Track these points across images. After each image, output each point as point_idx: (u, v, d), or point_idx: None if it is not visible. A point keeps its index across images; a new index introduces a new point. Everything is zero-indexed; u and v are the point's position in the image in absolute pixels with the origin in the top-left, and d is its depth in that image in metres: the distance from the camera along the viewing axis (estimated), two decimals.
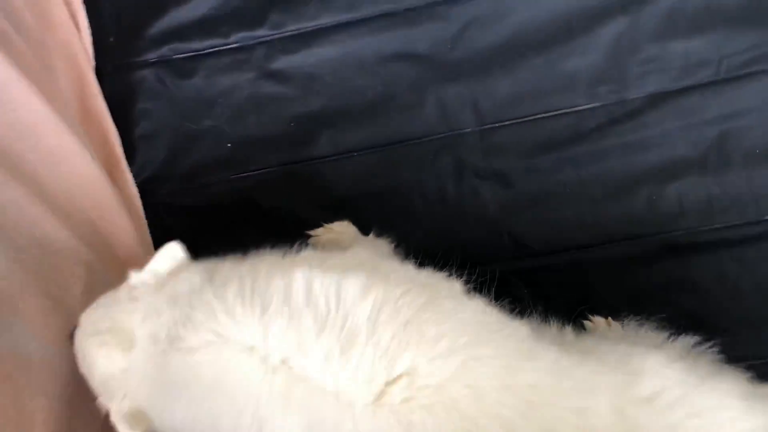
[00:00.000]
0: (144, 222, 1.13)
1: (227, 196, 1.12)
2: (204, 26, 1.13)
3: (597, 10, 1.05)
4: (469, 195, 1.07)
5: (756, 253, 1.02)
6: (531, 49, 1.07)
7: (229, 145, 1.12)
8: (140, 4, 1.15)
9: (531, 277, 1.03)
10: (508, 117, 1.07)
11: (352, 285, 0.66)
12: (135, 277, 0.79)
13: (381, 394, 0.60)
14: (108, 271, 1.03)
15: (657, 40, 1.04)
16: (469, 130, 1.07)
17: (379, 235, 1.00)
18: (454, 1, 1.07)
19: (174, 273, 0.76)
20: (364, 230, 1.03)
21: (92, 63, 1.14)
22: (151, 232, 1.12)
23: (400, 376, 0.61)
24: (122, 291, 0.79)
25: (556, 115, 1.06)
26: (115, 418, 0.73)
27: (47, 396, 0.83)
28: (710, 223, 1.02)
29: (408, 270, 0.75)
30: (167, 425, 0.71)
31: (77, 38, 1.13)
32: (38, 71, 1.01)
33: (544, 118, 1.06)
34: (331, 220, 1.06)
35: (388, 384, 0.61)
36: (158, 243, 1.08)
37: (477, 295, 0.73)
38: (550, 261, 1.06)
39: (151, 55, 1.14)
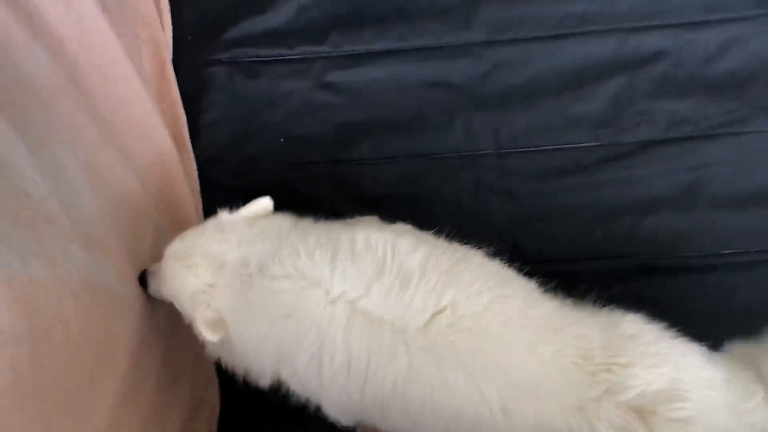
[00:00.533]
0: (199, 197, 1.30)
1: (275, 183, 1.28)
2: (273, 37, 1.32)
3: (603, 67, 1.27)
4: (482, 206, 1.26)
5: (712, 280, 1.22)
6: (546, 92, 1.28)
7: (282, 140, 1.29)
8: (219, 11, 1.34)
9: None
10: (521, 145, 1.27)
11: (405, 241, 0.86)
12: (224, 216, 0.96)
13: (430, 321, 0.79)
14: (170, 232, 1.19)
15: (650, 97, 1.26)
16: (488, 152, 1.27)
17: None
18: (488, 43, 1.28)
19: (262, 218, 0.94)
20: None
21: (171, 56, 1.32)
22: (204, 207, 1.29)
23: (444, 308, 0.80)
24: (209, 226, 0.96)
25: (561, 148, 1.26)
26: (199, 324, 0.88)
27: (126, 325, 0.98)
28: (678, 252, 1.22)
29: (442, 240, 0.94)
30: (242, 334, 0.88)
31: (161, 33, 1.31)
32: (133, 55, 1.19)
33: (551, 150, 1.26)
34: (362, 214, 1.24)
35: (435, 314, 0.79)
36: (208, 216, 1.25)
37: None
38: (543, 269, 1.24)
39: (223, 56, 1.32)
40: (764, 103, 1.24)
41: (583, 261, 1.23)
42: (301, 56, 1.31)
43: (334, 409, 0.90)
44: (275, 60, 1.31)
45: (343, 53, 1.31)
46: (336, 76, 1.30)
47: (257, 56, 1.31)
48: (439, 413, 0.80)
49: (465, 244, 0.94)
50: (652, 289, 1.22)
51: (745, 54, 1.25)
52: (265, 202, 0.98)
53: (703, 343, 0.88)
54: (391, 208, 1.26)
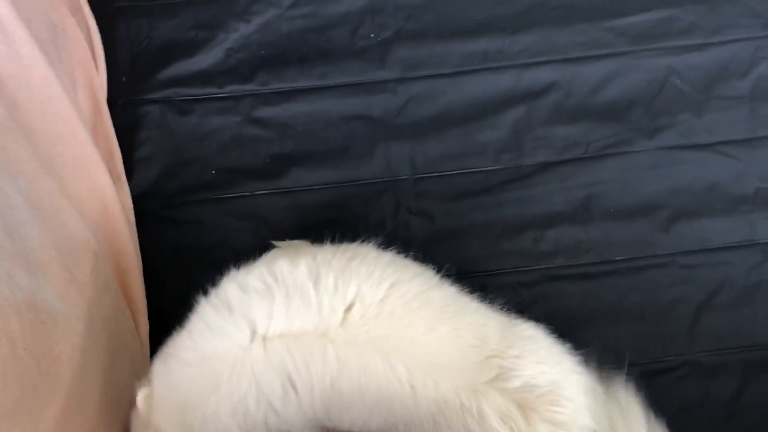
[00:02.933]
0: (134, 227, 1.36)
1: (207, 213, 1.37)
2: (203, 77, 1.42)
3: (503, 99, 1.42)
4: (403, 227, 1.37)
5: (608, 285, 1.36)
6: (455, 122, 1.41)
7: (213, 172, 1.38)
8: (151, 55, 1.43)
9: None
10: (435, 170, 1.39)
11: (282, 263, 0.91)
12: None
13: (345, 318, 0.86)
14: (108, 261, 1.25)
15: (545, 124, 1.41)
16: (406, 177, 1.39)
17: None
18: (401, 80, 1.42)
19: None
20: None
21: (105, 96, 1.40)
22: (139, 236, 1.35)
23: (353, 302, 0.87)
24: None
25: (470, 172, 1.39)
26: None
27: (68, 343, 1.04)
28: (577, 261, 1.37)
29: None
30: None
31: (96, 75, 1.39)
32: (71, 95, 1.26)
33: (461, 173, 1.39)
34: (292, 238, 1.34)
35: (347, 310, 0.87)
36: (144, 246, 1.33)
37: None
38: (460, 282, 1.37)
39: (156, 95, 1.40)
40: (642, 126, 1.41)
41: (494, 273, 1.36)
42: (230, 94, 1.41)
43: None
44: (206, 98, 1.41)
45: (270, 91, 1.42)
46: (263, 112, 1.41)
47: (188, 95, 1.41)
48: (367, 398, 0.87)
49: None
50: (556, 296, 1.36)
51: (623, 84, 1.43)
52: None
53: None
54: (319, 232, 1.36)
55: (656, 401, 1.32)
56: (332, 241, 1.10)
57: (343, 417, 0.91)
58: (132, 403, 0.99)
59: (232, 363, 0.86)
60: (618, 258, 1.37)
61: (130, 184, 1.36)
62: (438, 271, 1.01)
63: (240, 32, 1.43)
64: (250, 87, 1.42)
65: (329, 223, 1.36)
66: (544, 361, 0.90)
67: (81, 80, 1.35)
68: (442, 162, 1.40)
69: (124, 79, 1.42)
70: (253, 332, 0.86)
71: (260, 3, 1.44)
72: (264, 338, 0.86)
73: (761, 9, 1.45)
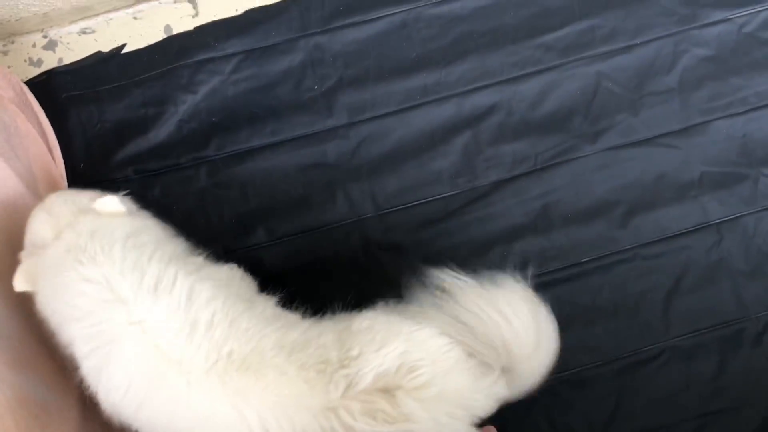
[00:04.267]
0: None
1: None
2: (160, 151, 1.45)
3: (450, 127, 1.48)
4: (375, 262, 1.41)
5: (579, 286, 1.41)
6: (408, 156, 1.47)
7: (183, 239, 1.41)
8: (105, 138, 1.47)
9: None
10: (397, 204, 1.44)
11: (205, 291, 0.98)
12: (99, 202, 1.05)
13: (211, 368, 0.92)
14: None
15: (493, 144, 1.47)
16: (370, 215, 1.44)
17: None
18: (351, 125, 1.47)
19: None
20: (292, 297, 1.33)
21: (66, 185, 1.43)
22: None
23: (222, 357, 0.93)
24: (84, 198, 1.07)
25: (429, 201, 1.45)
26: (18, 269, 1.00)
27: None
28: (546, 269, 1.42)
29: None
30: (42, 302, 0.99)
31: (54, 167, 1.42)
32: (32, 189, 1.29)
33: (421, 203, 1.44)
34: (264, 290, 1.36)
35: (216, 362, 0.93)
36: None
37: None
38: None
39: (116, 176, 1.44)
40: (584, 132, 1.48)
41: None
42: (189, 163, 1.45)
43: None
44: (165, 171, 1.44)
45: (226, 154, 1.46)
46: (223, 175, 1.45)
47: (149, 171, 1.44)
48: None
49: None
50: None
51: (559, 96, 1.50)
52: (114, 205, 1.06)
53: None
54: (293, 279, 1.39)
55: (643, 391, 1.38)
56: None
57: None
58: None
59: (110, 325, 0.94)
60: (584, 260, 1.43)
61: None
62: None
63: (188, 103, 1.48)
64: (206, 153, 1.46)
65: (300, 271, 1.41)
66: (384, 344, 0.96)
67: (40, 173, 1.37)
68: (401, 195, 1.45)
69: (81, 165, 1.45)
70: (144, 324, 0.93)
71: (203, 72, 1.49)
72: (147, 337, 0.93)
73: (673, 6, 1.54)
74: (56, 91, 1.47)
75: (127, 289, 0.94)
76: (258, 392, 0.92)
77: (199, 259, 1.09)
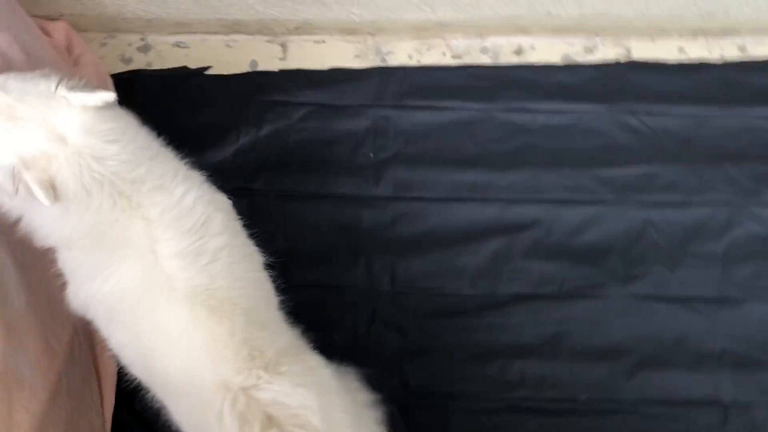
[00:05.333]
0: None
1: None
2: (210, 173, 1.51)
3: (487, 229, 1.49)
4: (375, 337, 1.41)
5: (569, 423, 1.38)
6: (438, 244, 1.48)
7: None
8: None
9: (405, 409, 1.37)
10: (414, 287, 1.45)
11: (218, 221, 1.04)
12: (74, 97, 0.97)
13: (195, 294, 0.96)
14: (85, 333, 1.30)
15: (524, 258, 1.47)
16: (385, 290, 1.45)
17: None
18: (392, 198, 1.51)
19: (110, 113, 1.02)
20: None
21: None
22: None
23: (210, 290, 0.98)
24: (41, 85, 0.98)
25: (446, 294, 1.45)
26: (31, 183, 0.93)
27: (28, 413, 1.08)
28: (540, 395, 1.39)
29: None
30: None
31: None
32: None
33: (438, 294, 1.45)
34: None
35: (202, 293, 0.97)
36: None
37: None
38: (422, 402, 1.40)
39: None
40: (617, 273, 1.47)
41: (457, 396, 1.39)
42: (233, 191, 1.47)
43: None
44: None
45: (269, 192, 1.51)
46: (260, 211, 1.47)
47: None
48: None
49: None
50: (515, 426, 1.38)
51: (602, 230, 1.50)
52: (107, 97, 1.00)
53: None
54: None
55: None
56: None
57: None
58: None
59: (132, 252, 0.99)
60: (581, 397, 1.39)
61: None
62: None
63: (250, 136, 1.54)
64: (252, 186, 1.51)
65: (305, 325, 1.42)
66: (304, 385, 0.98)
67: None
68: (421, 279, 1.46)
69: None
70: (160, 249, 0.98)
71: (273, 113, 1.56)
72: (157, 258, 0.98)
73: (739, 176, 1.53)
74: (135, 90, 1.56)
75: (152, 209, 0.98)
76: (203, 331, 0.96)
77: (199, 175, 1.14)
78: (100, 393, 1.32)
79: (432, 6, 1.52)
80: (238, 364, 0.96)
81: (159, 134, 1.51)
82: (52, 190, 0.94)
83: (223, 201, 1.13)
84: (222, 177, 1.50)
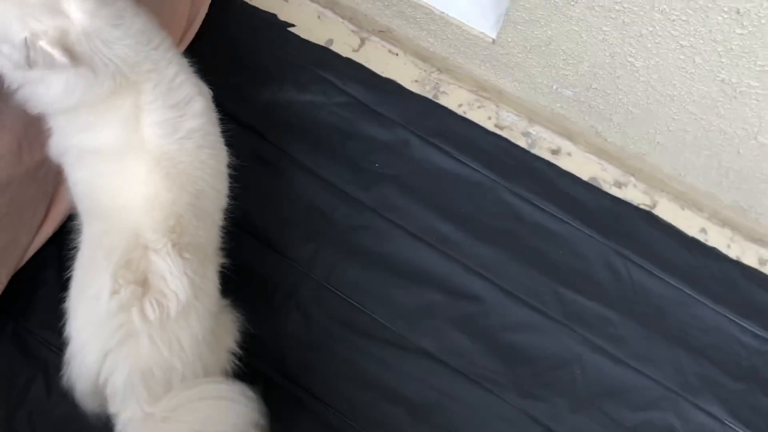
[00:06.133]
0: None
1: None
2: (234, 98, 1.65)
3: (434, 280, 1.51)
4: (282, 310, 1.47)
5: None
6: (384, 268, 1.52)
7: None
8: (225, 58, 1.68)
9: (270, 384, 1.41)
10: (341, 290, 1.50)
11: (198, 104, 1.16)
12: None
13: (161, 161, 1.10)
14: None
15: (450, 323, 1.49)
16: (316, 278, 1.50)
17: None
18: (371, 210, 1.57)
19: None
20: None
21: None
22: None
23: (174, 161, 1.12)
24: None
25: (364, 312, 1.48)
26: (46, 42, 0.98)
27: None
28: None
29: None
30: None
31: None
32: None
33: (358, 308, 1.48)
34: None
35: (167, 161, 1.11)
36: None
37: None
38: (288, 386, 1.43)
39: None
40: (521, 385, 1.45)
41: (321, 401, 1.41)
42: (242, 125, 1.62)
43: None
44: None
45: (273, 147, 1.62)
46: (263, 153, 1.60)
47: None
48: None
49: None
50: None
51: (533, 340, 1.49)
52: None
53: None
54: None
55: None
56: None
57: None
58: None
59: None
60: None
61: None
62: None
63: (289, 95, 1.67)
64: (267, 135, 1.62)
65: (233, 262, 1.51)
66: (190, 280, 1.10)
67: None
68: (351, 288, 1.51)
69: None
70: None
71: (318, 87, 1.68)
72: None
73: (687, 369, 1.48)
74: (228, 13, 1.73)
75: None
76: (153, 189, 1.09)
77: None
78: (42, 222, 1.45)
79: (496, 71, 1.59)
80: (159, 226, 1.08)
81: (222, 52, 1.69)
82: (70, 54, 1.00)
83: (206, 89, 1.24)
84: (246, 113, 1.63)
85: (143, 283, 1.07)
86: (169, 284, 1.07)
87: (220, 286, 1.24)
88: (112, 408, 1.09)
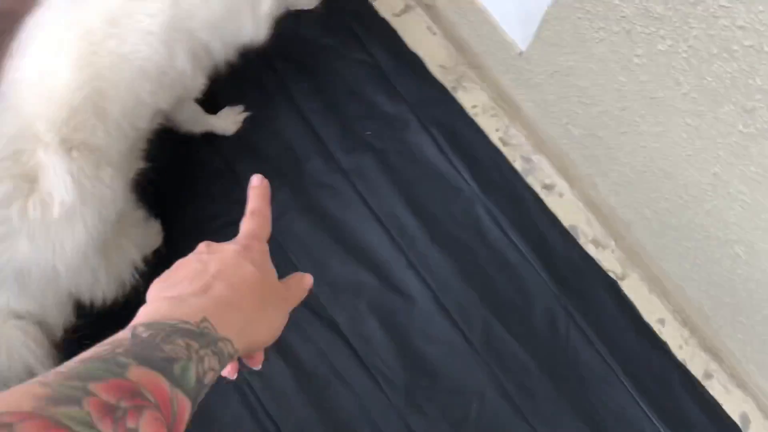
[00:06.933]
0: None
1: None
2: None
3: (378, 263, 1.48)
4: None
5: None
6: (334, 229, 1.50)
7: None
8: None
9: None
10: (279, 237, 1.49)
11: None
12: None
13: (89, 52, 1.03)
14: None
15: (368, 306, 1.46)
16: None
17: None
18: (343, 171, 1.54)
19: None
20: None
21: None
22: None
23: (103, 47, 1.05)
24: None
25: (296, 268, 1.48)
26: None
27: None
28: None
29: None
30: None
31: None
32: None
33: (289, 261, 1.48)
34: None
35: (94, 47, 1.03)
36: None
37: None
38: None
39: None
40: (414, 396, 1.41)
41: None
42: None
43: None
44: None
45: (281, 81, 1.60)
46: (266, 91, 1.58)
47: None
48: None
49: None
50: None
51: (449, 358, 1.44)
52: None
53: None
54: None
55: None
56: None
57: None
58: None
59: None
60: None
61: None
62: None
63: (319, 45, 1.63)
64: (276, 64, 1.60)
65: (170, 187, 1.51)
66: (76, 184, 1.02)
67: None
68: (290, 240, 1.49)
69: None
70: None
71: (348, 47, 1.64)
72: None
73: None
74: None
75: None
76: (72, 79, 1.01)
77: None
78: None
79: (518, 85, 1.52)
80: (58, 124, 1.00)
81: None
82: None
83: None
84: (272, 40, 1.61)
85: (33, 180, 1.00)
86: (52, 183, 0.99)
87: (135, 196, 1.24)
88: None
